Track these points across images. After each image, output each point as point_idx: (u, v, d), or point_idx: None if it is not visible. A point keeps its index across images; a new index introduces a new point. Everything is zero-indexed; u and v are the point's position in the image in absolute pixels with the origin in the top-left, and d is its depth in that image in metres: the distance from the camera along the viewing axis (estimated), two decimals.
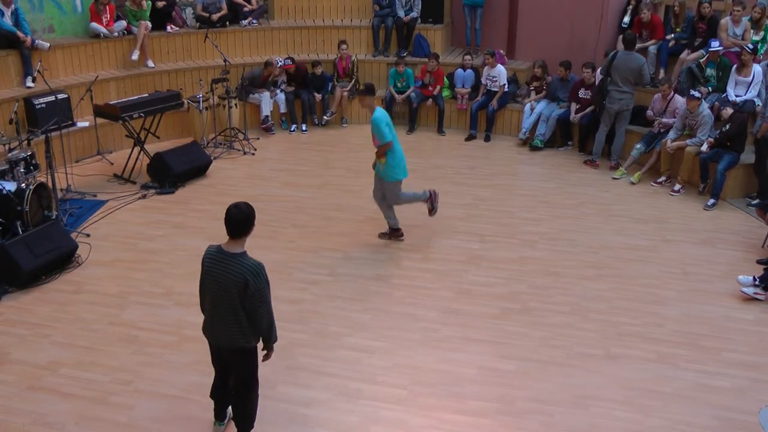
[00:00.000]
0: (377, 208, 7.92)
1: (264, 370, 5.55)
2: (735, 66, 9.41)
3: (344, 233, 7.97)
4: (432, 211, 7.81)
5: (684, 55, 10.21)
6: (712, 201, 8.77)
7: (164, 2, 11.39)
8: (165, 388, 5.40)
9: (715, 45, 9.45)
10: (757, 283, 6.76)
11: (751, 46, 9.24)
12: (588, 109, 10.31)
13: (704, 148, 8.84)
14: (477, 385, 5.49)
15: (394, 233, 7.82)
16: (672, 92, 9.57)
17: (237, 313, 4.34)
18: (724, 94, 9.41)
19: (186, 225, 8.14)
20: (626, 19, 11.07)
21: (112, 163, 9.79)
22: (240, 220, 4.26)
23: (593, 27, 11.33)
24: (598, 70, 10.12)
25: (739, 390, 5.48)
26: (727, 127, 8.73)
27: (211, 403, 5.22)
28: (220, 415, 5.01)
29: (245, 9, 12.19)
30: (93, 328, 6.16)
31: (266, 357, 4.64)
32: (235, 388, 4.69)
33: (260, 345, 4.60)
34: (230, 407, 4.99)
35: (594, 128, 10.19)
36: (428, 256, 7.51)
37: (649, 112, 9.76)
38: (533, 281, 7.02)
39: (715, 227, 8.27)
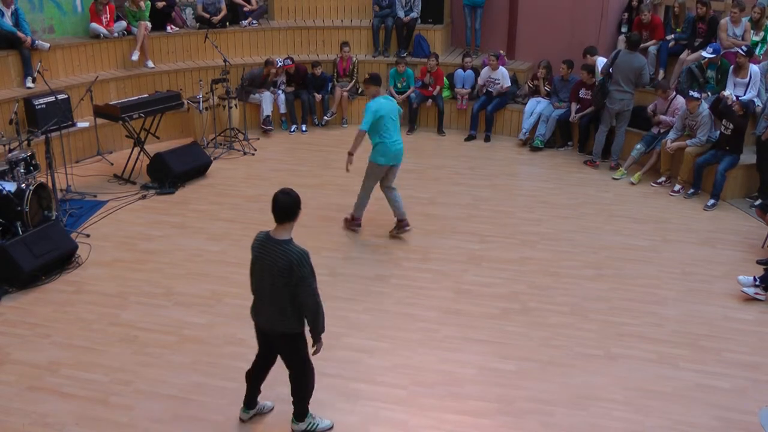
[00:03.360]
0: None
1: None
2: (732, 68, 9.42)
3: (344, 233, 7.97)
4: (348, 224, 8.04)
5: (684, 55, 10.20)
6: (712, 201, 8.77)
7: (164, 3, 11.39)
8: (165, 388, 5.39)
9: (707, 53, 9.44)
10: (757, 283, 6.76)
11: (744, 49, 9.23)
12: (588, 110, 10.32)
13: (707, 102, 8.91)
14: (477, 385, 5.49)
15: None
16: (674, 93, 9.57)
17: (279, 299, 4.44)
18: None
19: (186, 225, 8.14)
20: (624, 29, 11.06)
21: (112, 164, 9.78)
22: (287, 205, 4.38)
23: (593, 27, 11.33)
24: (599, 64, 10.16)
25: (739, 390, 5.48)
26: (729, 127, 8.70)
27: (212, 403, 5.23)
28: (249, 402, 5.05)
29: (245, 9, 12.18)
30: (93, 329, 6.16)
31: (315, 350, 4.70)
32: (289, 370, 4.82)
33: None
34: (259, 399, 5.09)
35: (594, 128, 10.20)
36: (428, 256, 7.51)
37: (651, 108, 9.75)
38: (533, 281, 7.02)
39: (715, 227, 8.27)
